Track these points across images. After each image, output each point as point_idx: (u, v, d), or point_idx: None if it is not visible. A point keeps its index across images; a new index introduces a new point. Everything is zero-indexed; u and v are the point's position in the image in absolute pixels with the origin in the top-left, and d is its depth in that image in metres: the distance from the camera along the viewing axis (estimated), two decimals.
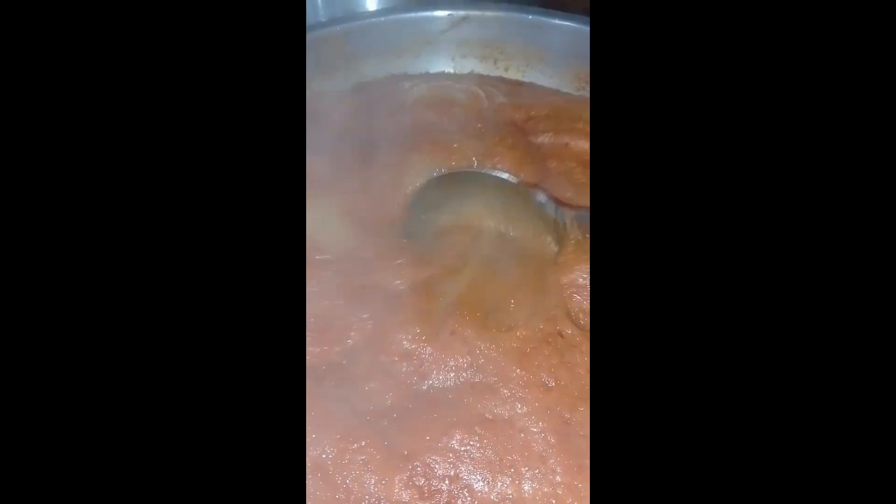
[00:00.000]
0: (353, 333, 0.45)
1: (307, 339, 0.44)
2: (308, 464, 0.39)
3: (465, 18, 0.63)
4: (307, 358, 0.44)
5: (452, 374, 0.43)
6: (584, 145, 0.56)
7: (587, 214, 0.47)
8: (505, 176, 0.52)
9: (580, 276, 0.47)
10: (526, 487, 0.38)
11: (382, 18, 0.64)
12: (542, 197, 0.50)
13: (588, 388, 0.41)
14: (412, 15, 0.64)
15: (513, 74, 0.65)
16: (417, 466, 0.39)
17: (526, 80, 0.64)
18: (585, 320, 0.45)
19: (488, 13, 0.63)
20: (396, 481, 0.38)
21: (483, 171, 0.53)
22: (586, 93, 0.61)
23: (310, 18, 0.67)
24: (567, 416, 0.40)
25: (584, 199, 0.52)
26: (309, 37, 0.61)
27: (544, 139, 0.57)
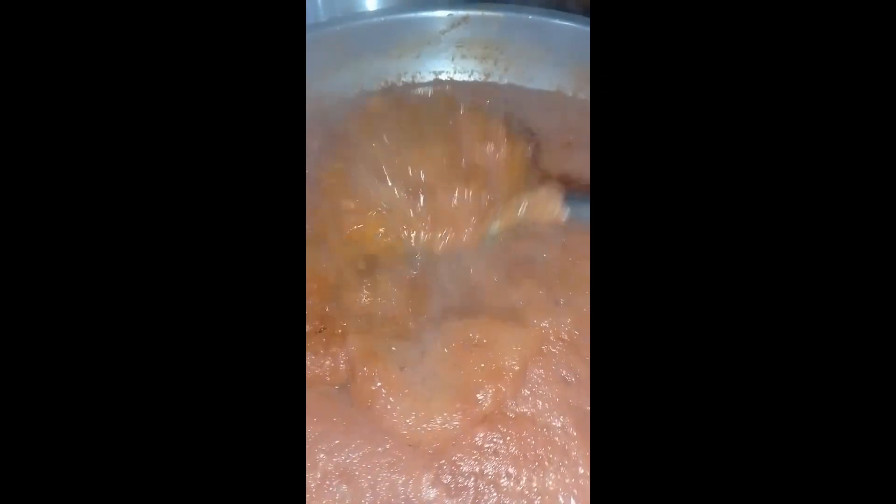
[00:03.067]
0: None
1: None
2: (333, 470, 0.39)
3: (465, 18, 0.63)
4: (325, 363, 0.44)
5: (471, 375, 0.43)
6: None
7: None
8: None
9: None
10: (550, 481, 0.39)
11: (382, 18, 0.64)
12: None
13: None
14: (412, 15, 0.63)
15: (513, 75, 0.65)
16: (444, 465, 0.39)
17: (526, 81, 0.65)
18: None
19: (488, 13, 0.63)
20: (424, 480, 0.39)
21: None
22: (586, 94, 0.62)
23: (310, 18, 0.67)
24: (588, 408, 0.41)
25: None
26: (309, 37, 0.60)
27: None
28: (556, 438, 0.40)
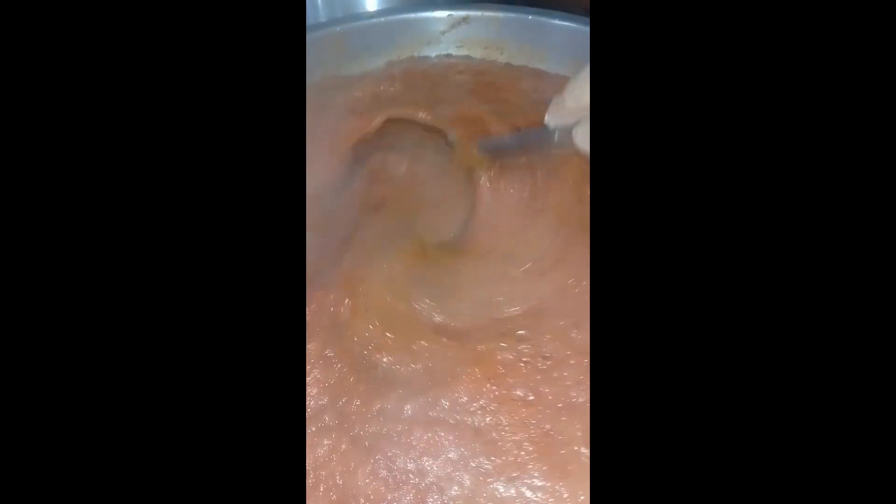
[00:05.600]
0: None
1: None
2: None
3: (465, 19, 0.63)
4: None
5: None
6: None
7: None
8: None
9: None
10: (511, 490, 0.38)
11: (382, 19, 0.64)
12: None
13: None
14: (412, 15, 0.64)
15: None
16: (380, 459, 0.39)
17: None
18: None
19: (488, 13, 0.63)
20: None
21: None
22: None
23: (309, 19, 0.67)
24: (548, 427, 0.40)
25: None
26: (308, 37, 0.60)
27: None
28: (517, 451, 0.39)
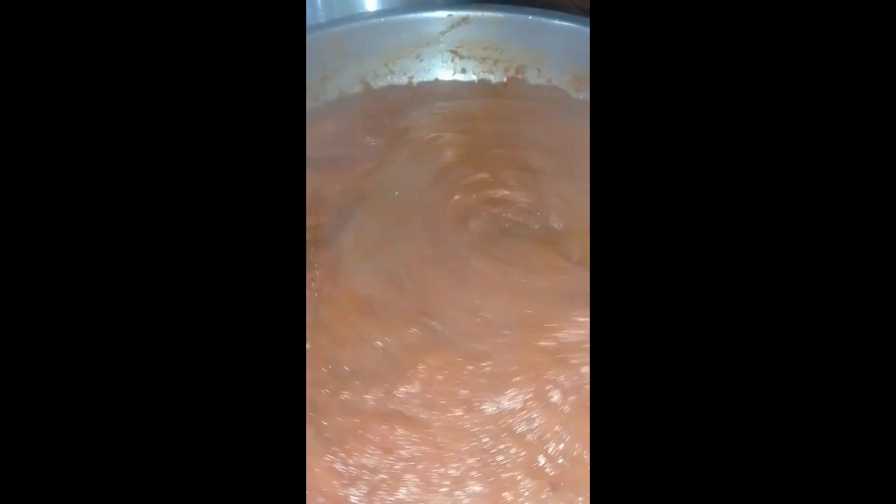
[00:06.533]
0: None
1: None
2: None
3: (464, 19, 0.63)
4: None
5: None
6: None
7: None
8: None
9: None
10: None
11: (382, 19, 0.64)
12: None
13: None
14: (412, 16, 0.64)
15: (512, 75, 0.65)
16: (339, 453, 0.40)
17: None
18: None
19: (488, 14, 0.63)
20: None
21: None
22: (586, 94, 0.62)
23: (309, 20, 0.67)
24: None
25: None
26: (308, 38, 0.60)
27: None
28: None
